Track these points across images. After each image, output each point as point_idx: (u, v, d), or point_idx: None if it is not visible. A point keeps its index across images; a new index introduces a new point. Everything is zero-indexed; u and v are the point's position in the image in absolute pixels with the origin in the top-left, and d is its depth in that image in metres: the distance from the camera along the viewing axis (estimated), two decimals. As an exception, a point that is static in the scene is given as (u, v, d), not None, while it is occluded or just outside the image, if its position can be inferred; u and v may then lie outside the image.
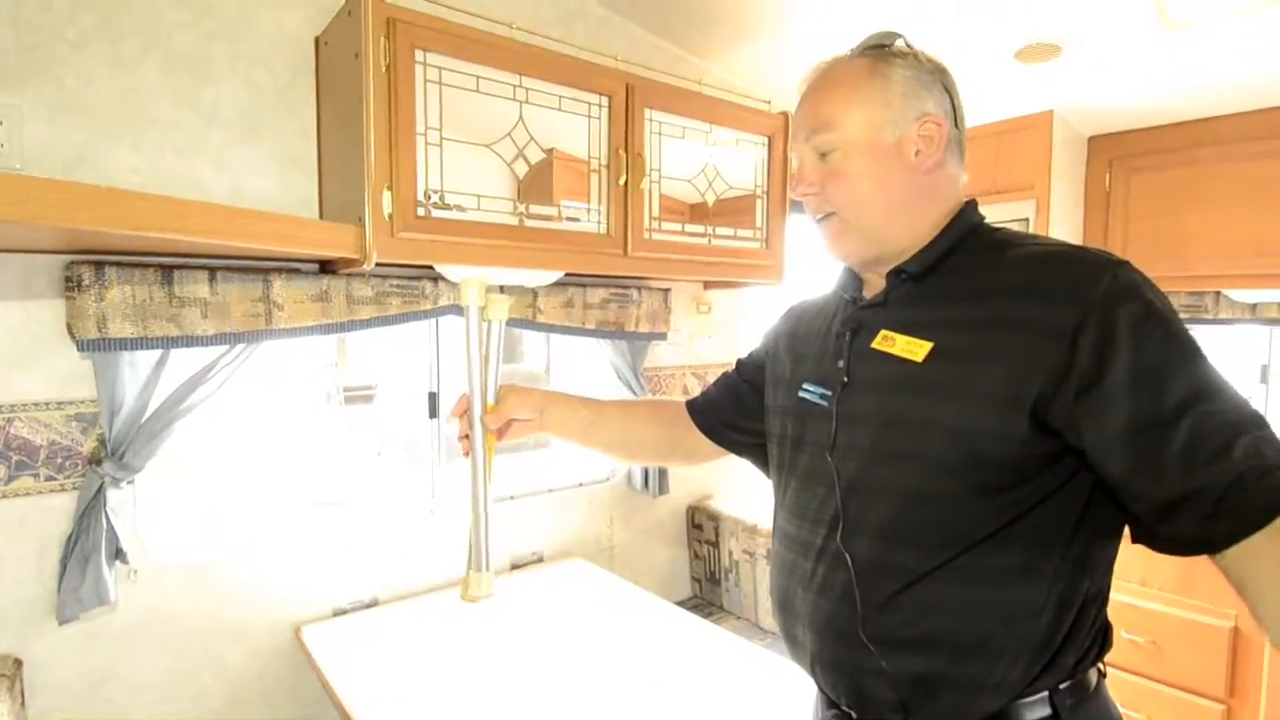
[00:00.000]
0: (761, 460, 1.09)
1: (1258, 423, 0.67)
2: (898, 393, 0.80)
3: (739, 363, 1.17)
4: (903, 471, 0.78)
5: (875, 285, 0.90)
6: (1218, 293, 2.56)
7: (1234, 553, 0.66)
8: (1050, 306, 0.71)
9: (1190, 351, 0.69)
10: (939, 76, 0.86)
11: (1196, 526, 0.67)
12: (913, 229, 0.85)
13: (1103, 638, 0.81)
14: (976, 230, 0.86)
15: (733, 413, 1.13)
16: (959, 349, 0.76)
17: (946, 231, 0.85)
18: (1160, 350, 0.68)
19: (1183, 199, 2.46)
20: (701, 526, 2.51)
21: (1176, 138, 2.46)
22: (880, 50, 0.86)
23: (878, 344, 0.83)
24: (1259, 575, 0.66)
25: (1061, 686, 0.77)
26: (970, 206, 0.88)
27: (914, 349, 0.79)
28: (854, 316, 0.89)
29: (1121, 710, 0.83)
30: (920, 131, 0.83)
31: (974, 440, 0.73)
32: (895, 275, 0.86)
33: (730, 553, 2.39)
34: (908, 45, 0.87)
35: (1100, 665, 0.82)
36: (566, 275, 1.90)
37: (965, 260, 0.83)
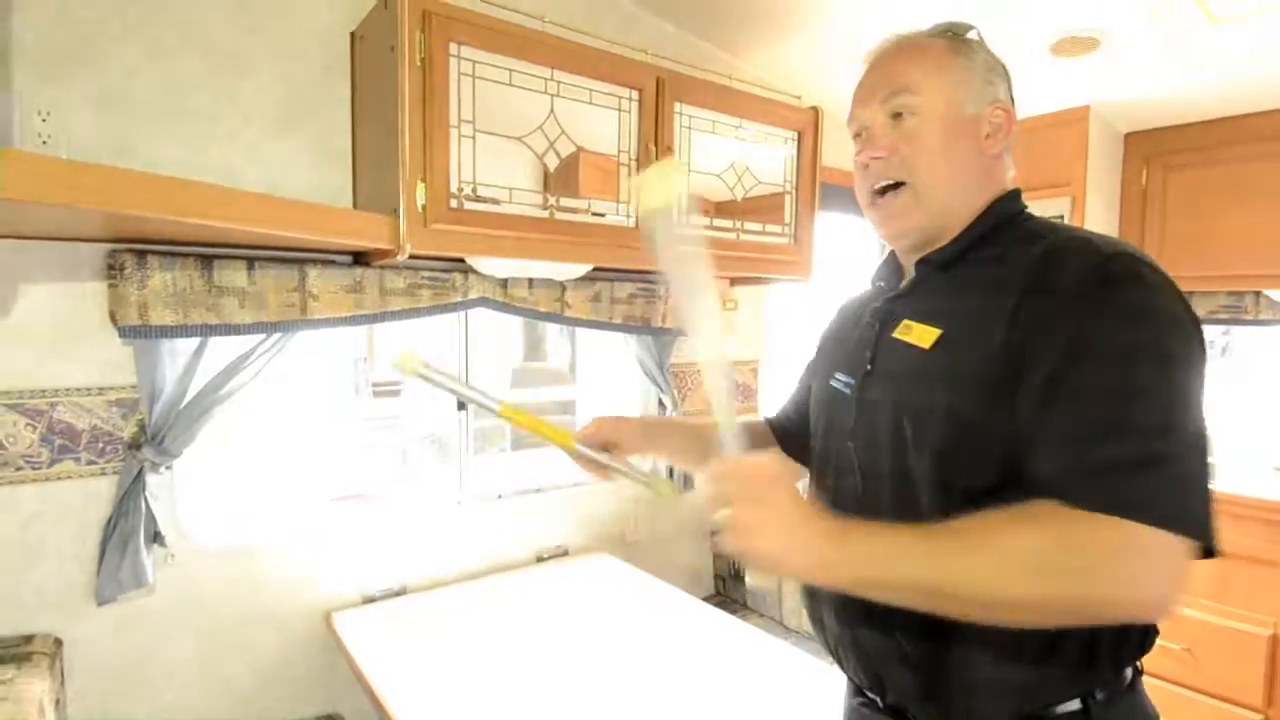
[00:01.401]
0: None
1: (1157, 456, 0.63)
2: (908, 380, 0.81)
3: (801, 376, 1.16)
4: (912, 457, 0.78)
5: (910, 273, 0.90)
6: (1258, 293, 2.50)
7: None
8: (1039, 301, 0.71)
9: (1155, 351, 0.66)
10: (1005, 73, 0.88)
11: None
12: (966, 211, 0.84)
13: (1143, 634, 0.77)
14: (1012, 220, 0.84)
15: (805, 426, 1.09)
16: (962, 337, 0.77)
17: (978, 222, 0.84)
18: (1119, 336, 0.67)
19: (1222, 197, 2.41)
20: (726, 523, 2.50)
21: (1216, 134, 2.41)
22: (957, 35, 0.87)
23: (899, 333, 0.84)
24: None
25: (1096, 688, 0.75)
26: (1010, 196, 0.86)
27: (925, 337, 0.80)
28: (884, 307, 0.89)
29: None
30: (992, 116, 0.84)
31: (969, 428, 0.73)
32: (922, 265, 0.86)
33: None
34: (980, 37, 0.88)
35: (1137, 662, 0.79)
36: (595, 269, 1.91)
37: (992, 252, 0.81)
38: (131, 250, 1.42)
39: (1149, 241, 2.55)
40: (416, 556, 1.90)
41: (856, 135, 0.89)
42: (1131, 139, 2.59)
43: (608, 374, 2.53)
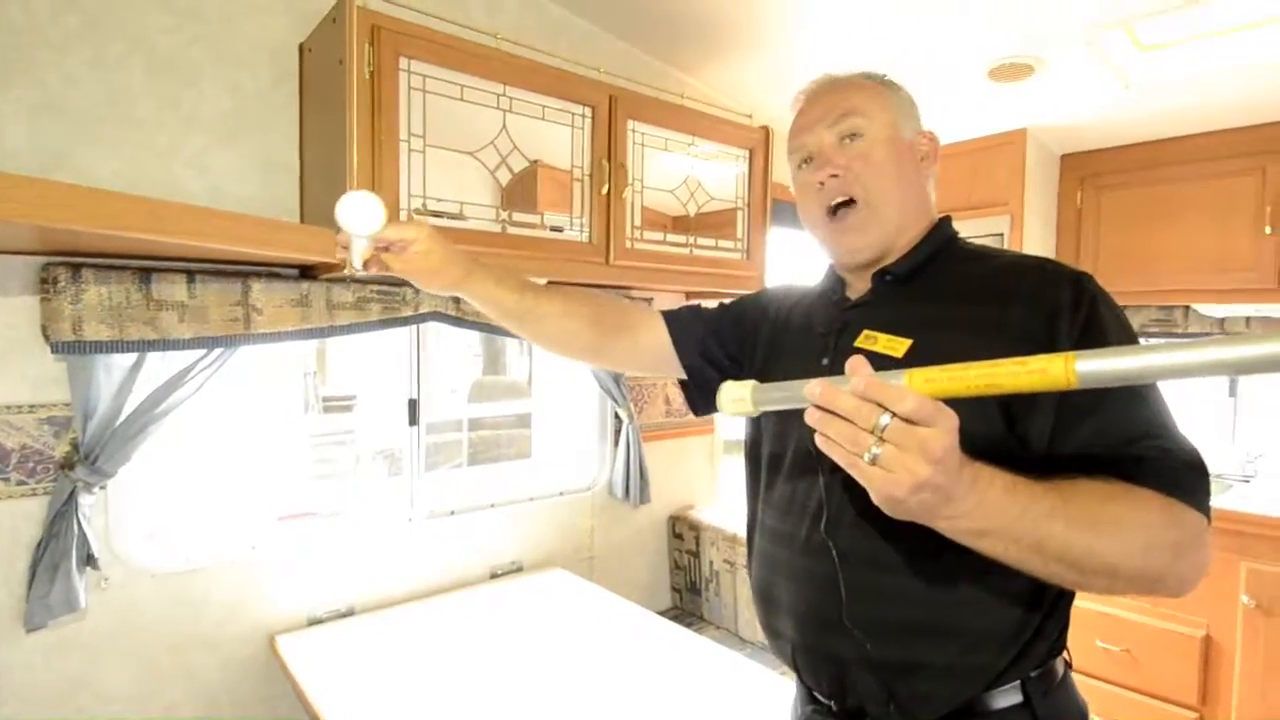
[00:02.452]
0: (701, 394, 1.11)
1: (1176, 437, 0.72)
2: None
3: (722, 305, 1.17)
4: None
5: (858, 287, 0.94)
6: (1186, 307, 2.63)
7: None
8: (1024, 310, 0.77)
9: None
10: (919, 111, 0.97)
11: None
12: (911, 229, 0.91)
13: (1066, 629, 0.85)
14: (953, 241, 0.92)
15: (711, 342, 1.11)
16: (936, 346, 0.80)
17: (928, 239, 0.91)
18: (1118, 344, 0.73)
19: (1150, 216, 2.53)
20: (682, 536, 2.51)
21: (1144, 156, 2.53)
22: (876, 77, 0.96)
23: (861, 343, 0.86)
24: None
25: (1032, 674, 0.80)
26: (946, 221, 0.95)
27: (894, 346, 0.83)
28: (839, 317, 0.92)
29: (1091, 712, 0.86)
30: (920, 143, 0.93)
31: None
32: (880, 277, 0.90)
33: (711, 563, 2.39)
34: (894, 81, 0.97)
35: (1065, 655, 0.85)
36: (549, 283, 1.90)
37: (944, 267, 0.89)
38: (65, 263, 1.37)
39: (1084, 257, 2.66)
40: (365, 576, 1.87)
41: (805, 161, 0.94)
42: (1067, 160, 2.70)
43: (564, 387, 2.53)
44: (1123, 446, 0.71)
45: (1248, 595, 2.09)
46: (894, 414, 0.56)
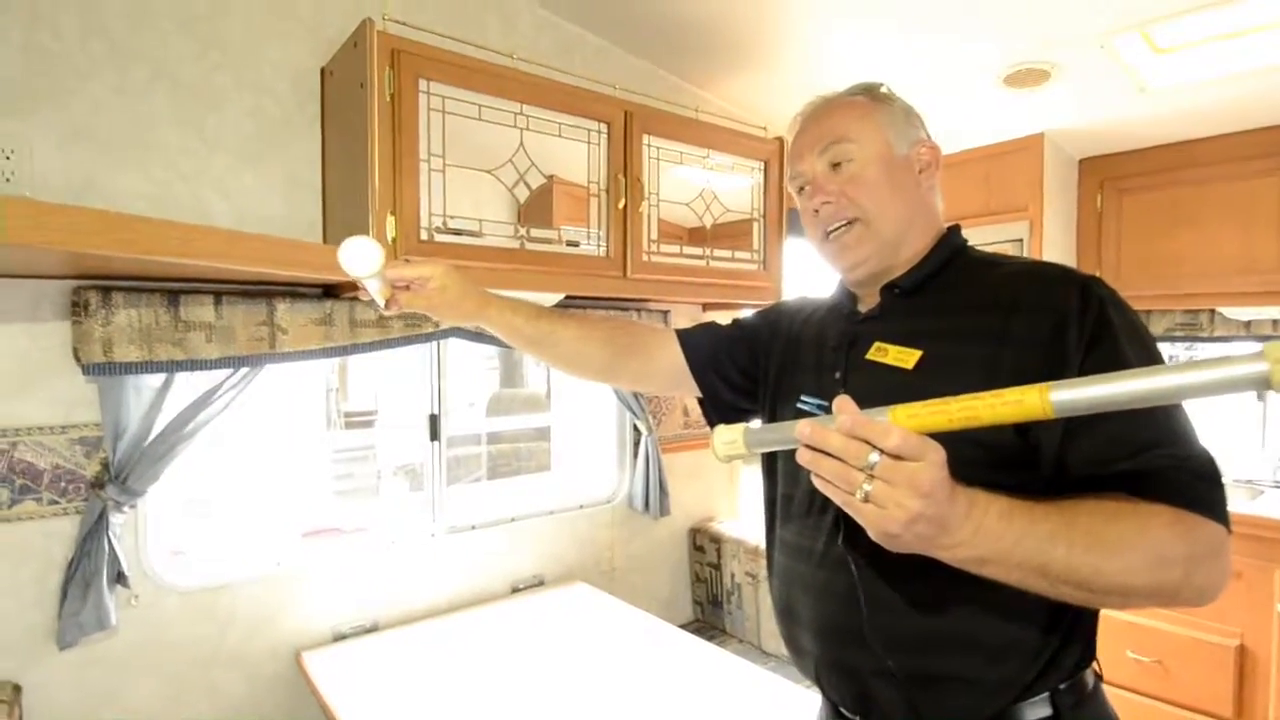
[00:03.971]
0: (717, 411, 1.13)
1: (1188, 443, 0.71)
2: (890, 399, 0.82)
3: (735, 322, 1.18)
4: None
5: (869, 301, 0.94)
6: (1212, 311, 2.59)
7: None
8: (1030, 319, 0.76)
9: (1156, 365, 0.74)
10: (920, 117, 0.96)
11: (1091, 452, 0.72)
12: (915, 242, 0.90)
13: (1094, 640, 0.83)
14: (963, 251, 0.92)
15: (724, 360, 1.12)
16: (946, 357, 0.80)
17: (936, 251, 0.90)
18: (1130, 352, 0.73)
19: (1173, 219, 2.50)
20: (703, 549, 2.50)
21: (1165, 159, 2.50)
22: (870, 91, 0.95)
23: (872, 355, 0.87)
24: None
25: (1061, 687, 0.79)
26: (955, 230, 0.94)
27: (905, 357, 0.83)
28: (849, 330, 0.92)
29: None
30: (919, 154, 0.91)
31: (958, 442, 0.75)
32: (889, 290, 0.90)
33: (732, 575, 2.38)
34: (890, 91, 0.96)
35: (1096, 667, 0.84)
36: (567, 298, 1.92)
37: (953, 277, 0.88)
38: (96, 287, 1.40)
39: (1105, 262, 2.63)
40: (389, 591, 1.88)
41: (801, 189, 0.95)
42: (1085, 164, 2.68)
43: (583, 400, 2.54)
44: (1132, 457, 0.69)
45: (1282, 604, 2.04)
46: (882, 451, 0.57)
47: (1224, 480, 0.72)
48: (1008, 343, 0.76)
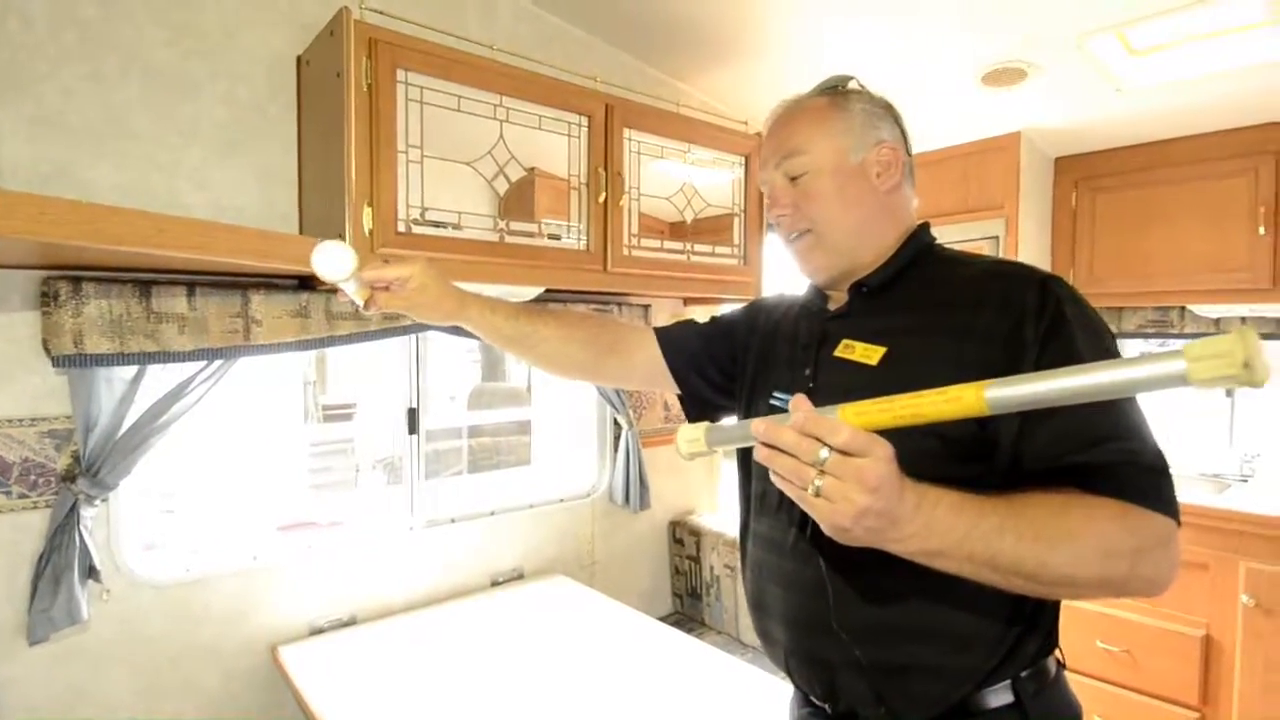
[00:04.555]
0: (696, 407, 1.16)
1: (1141, 437, 0.73)
2: (856, 394, 0.84)
3: (713, 319, 1.20)
4: None
5: (839, 299, 0.96)
6: (1182, 308, 2.63)
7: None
8: (992, 315, 0.79)
9: (1109, 359, 0.76)
10: (889, 111, 0.96)
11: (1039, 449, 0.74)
12: (876, 244, 0.92)
13: (1056, 629, 0.86)
14: (930, 249, 0.94)
15: (702, 356, 1.15)
16: (910, 352, 0.83)
17: (903, 250, 0.92)
18: (1084, 346, 0.75)
19: (1145, 218, 2.54)
20: (683, 541, 2.52)
21: (1139, 159, 2.54)
22: (836, 90, 0.96)
23: (840, 352, 0.89)
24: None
25: (1023, 674, 0.81)
26: (923, 228, 0.96)
27: (870, 354, 0.86)
28: (819, 328, 0.95)
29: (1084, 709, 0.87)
30: (879, 156, 0.92)
31: (921, 435, 0.76)
32: (856, 289, 0.93)
33: (711, 568, 2.39)
34: (860, 85, 0.96)
35: (1058, 655, 0.86)
36: (547, 291, 1.92)
37: (919, 275, 0.90)
38: (66, 277, 1.38)
39: (1080, 259, 2.67)
40: (367, 585, 1.87)
41: (767, 196, 0.98)
42: (1061, 163, 2.71)
43: (564, 394, 2.54)
44: (1084, 450, 0.71)
45: (1247, 595, 2.09)
46: (831, 447, 0.60)
47: (1172, 472, 0.73)
48: (970, 338, 0.78)
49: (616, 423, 2.37)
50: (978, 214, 2.53)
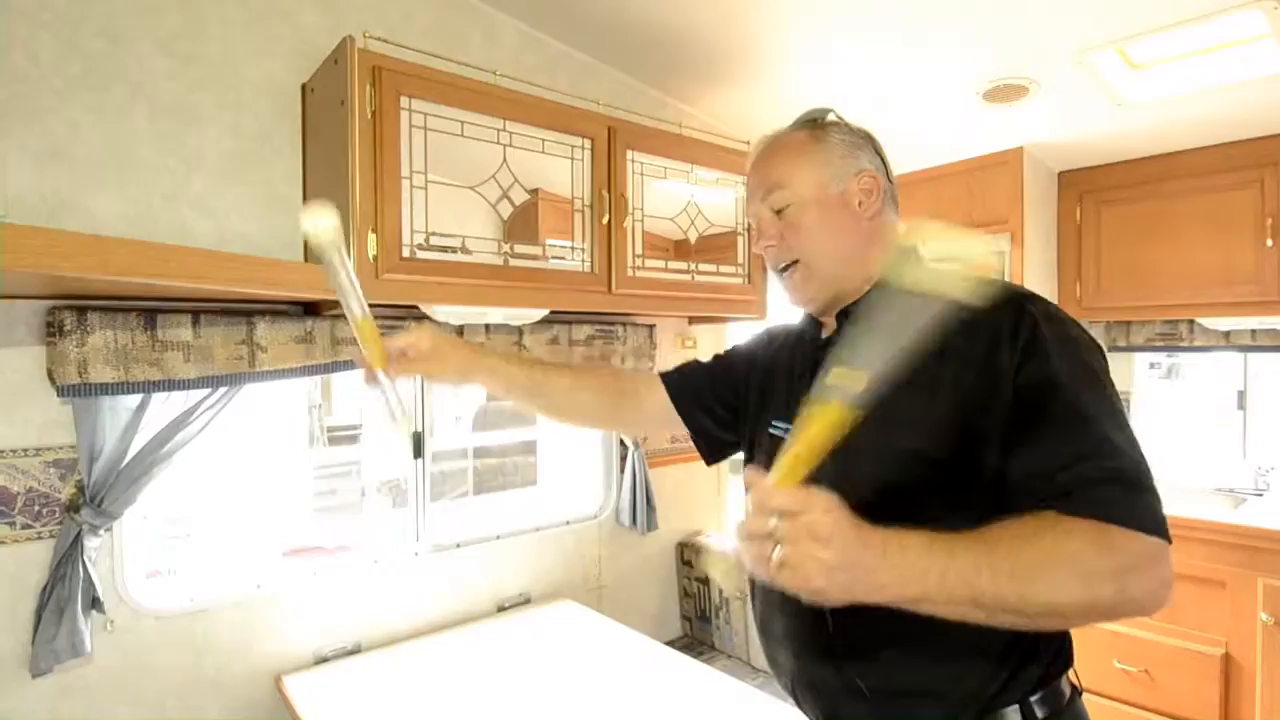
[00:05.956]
0: (709, 446, 1.19)
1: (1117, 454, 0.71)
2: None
3: (716, 357, 1.23)
4: (849, 494, 0.83)
5: (829, 326, 0.98)
6: (1191, 321, 2.62)
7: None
8: (967, 337, 0.78)
9: (1089, 375, 0.76)
10: (868, 141, 0.98)
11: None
12: (862, 271, 0.93)
13: (1068, 649, 0.84)
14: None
15: (708, 396, 1.18)
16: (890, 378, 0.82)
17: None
18: (1059, 365, 0.75)
19: (1152, 231, 2.53)
20: (691, 563, 2.49)
21: (1143, 172, 2.54)
22: (815, 123, 0.98)
23: (830, 379, 0.88)
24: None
25: (1033, 698, 0.80)
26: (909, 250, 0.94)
27: (856, 381, 0.85)
28: (813, 356, 0.96)
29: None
30: (860, 185, 0.94)
31: (908, 460, 0.80)
32: (843, 316, 0.95)
33: (721, 590, 2.36)
34: (838, 117, 0.98)
35: (1073, 679, 0.85)
36: (552, 313, 1.92)
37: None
38: (71, 307, 1.38)
39: (1085, 273, 2.66)
40: (372, 612, 1.85)
41: (755, 228, 1.01)
42: (1065, 177, 2.71)
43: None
44: (1065, 469, 0.71)
45: (1266, 612, 2.06)
46: (777, 514, 0.61)
47: (1156, 488, 0.71)
48: (947, 361, 0.78)
49: (623, 443, 2.35)
50: (982, 230, 2.52)
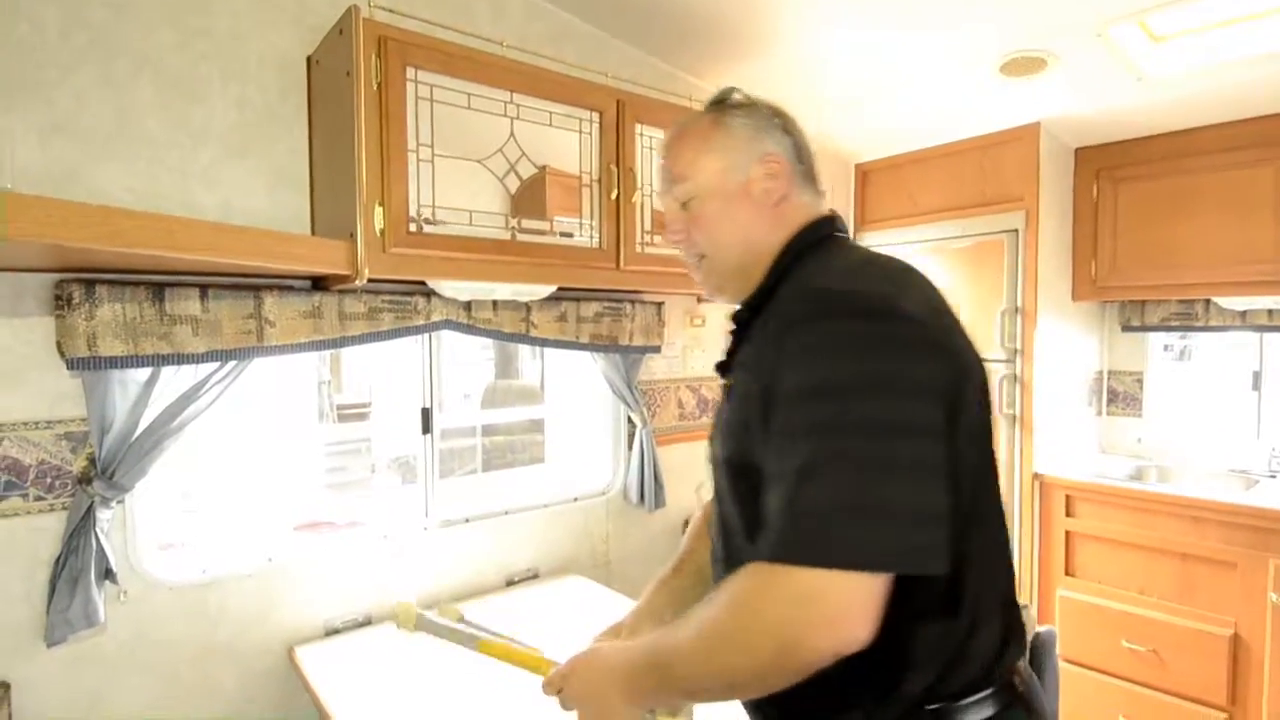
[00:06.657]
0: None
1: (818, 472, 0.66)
2: (719, 434, 0.90)
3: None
4: (726, 505, 0.88)
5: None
6: (1208, 300, 2.58)
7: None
8: (766, 343, 0.77)
9: (825, 385, 0.68)
10: (778, 120, 0.93)
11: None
12: (762, 261, 0.90)
13: (961, 664, 0.74)
14: (800, 258, 0.87)
15: None
16: (736, 385, 0.85)
17: (772, 269, 0.89)
18: (791, 383, 0.71)
19: (1170, 209, 2.49)
20: (698, 541, 2.49)
21: (1162, 148, 2.49)
22: (721, 105, 0.94)
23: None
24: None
25: (929, 708, 0.73)
26: (804, 232, 0.89)
27: (728, 388, 0.89)
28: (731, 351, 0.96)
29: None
30: (765, 169, 0.89)
31: (735, 469, 0.82)
32: (739, 315, 0.93)
33: (727, 567, 2.37)
34: (746, 97, 0.95)
35: (997, 689, 0.76)
36: (560, 289, 1.91)
37: (781, 295, 0.85)
38: (79, 280, 1.38)
39: (1101, 252, 2.62)
40: (382, 585, 1.87)
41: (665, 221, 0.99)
42: (1082, 153, 2.66)
43: (577, 392, 2.52)
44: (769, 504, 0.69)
45: (1276, 593, 2.05)
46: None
47: (837, 513, 0.63)
48: (753, 369, 0.78)
49: (630, 420, 2.35)
50: (996, 207, 2.49)
